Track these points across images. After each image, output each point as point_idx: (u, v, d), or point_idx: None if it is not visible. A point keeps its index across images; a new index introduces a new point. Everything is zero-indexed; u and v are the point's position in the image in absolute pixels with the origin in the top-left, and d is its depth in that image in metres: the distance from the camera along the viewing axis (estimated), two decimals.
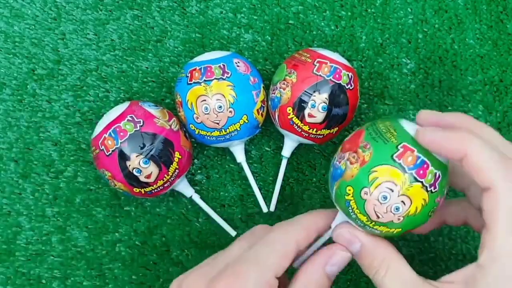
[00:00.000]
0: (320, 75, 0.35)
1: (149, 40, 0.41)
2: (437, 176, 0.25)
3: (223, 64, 0.35)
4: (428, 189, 0.25)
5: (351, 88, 0.36)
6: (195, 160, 0.41)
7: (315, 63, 0.35)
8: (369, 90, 0.42)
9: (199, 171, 0.41)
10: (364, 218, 0.26)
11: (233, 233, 0.40)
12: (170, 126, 0.35)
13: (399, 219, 0.25)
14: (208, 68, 0.35)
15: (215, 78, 0.34)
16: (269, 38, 0.42)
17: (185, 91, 0.35)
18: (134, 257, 0.40)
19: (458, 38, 0.43)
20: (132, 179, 0.34)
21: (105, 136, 0.34)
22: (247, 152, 0.40)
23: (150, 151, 0.34)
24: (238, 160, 0.39)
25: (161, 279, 0.40)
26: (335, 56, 0.36)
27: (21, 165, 0.40)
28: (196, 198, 0.39)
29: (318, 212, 0.29)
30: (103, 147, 0.34)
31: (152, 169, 0.34)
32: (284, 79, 0.36)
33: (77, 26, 0.41)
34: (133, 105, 0.35)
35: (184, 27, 0.41)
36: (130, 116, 0.34)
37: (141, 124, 0.34)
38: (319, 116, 0.35)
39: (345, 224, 0.27)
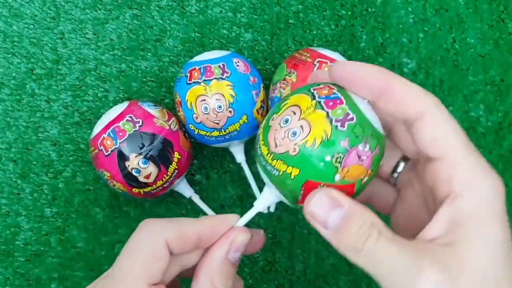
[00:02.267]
0: None
1: (148, 40, 0.41)
2: (349, 116, 0.22)
3: (222, 64, 0.35)
4: (334, 123, 0.21)
5: None
6: (195, 160, 0.41)
7: (315, 62, 0.35)
8: None
9: (198, 172, 0.41)
10: (265, 150, 0.23)
11: None
12: (170, 126, 0.35)
13: (294, 149, 0.22)
14: (208, 68, 0.35)
15: (215, 78, 0.34)
16: (269, 38, 0.42)
17: (185, 91, 0.35)
18: None
19: (459, 37, 0.43)
20: (131, 179, 0.34)
21: (104, 136, 0.34)
22: (247, 152, 0.40)
23: (149, 151, 0.33)
24: (238, 161, 0.38)
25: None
26: (336, 56, 0.36)
27: (20, 165, 0.40)
28: (196, 198, 0.38)
29: (215, 216, 0.26)
30: (102, 147, 0.34)
31: (151, 169, 0.34)
32: (284, 79, 0.36)
33: (76, 26, 0.40)
34: (132, 105, 0.35)
35: (184, 27, 0.41)
36: (129, 116, 0.34)
37: (140, 124, 0.34)
38: None
39: (320, 191, 0.22)
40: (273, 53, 0.42)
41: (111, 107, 0.37)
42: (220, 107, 0.34)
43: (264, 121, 0.24)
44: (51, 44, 0.40)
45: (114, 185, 0.35)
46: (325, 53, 0.36)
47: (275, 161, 0.22)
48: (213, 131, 0.35)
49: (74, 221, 0.40)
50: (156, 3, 0.41)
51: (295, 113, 0.22)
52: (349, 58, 0.42)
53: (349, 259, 0.21)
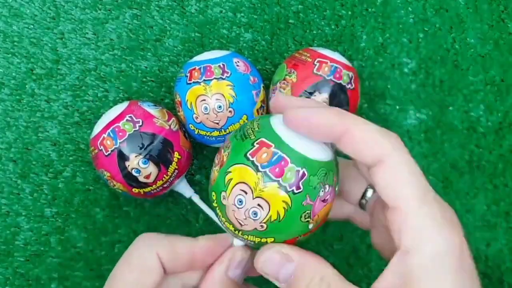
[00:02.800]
0: (320, 75, 0.35)
1: (148, 40, 0.41)
2: (299, 174, 0.21)
3: (222, 64, 0.35)
4: (288, 189, 0.21)
5: (351, 88, 0.35)
6: (195, 160, 0.41)
7: (315, 62, 0.35)
8: (370, 90, 0.42)
9: (198, 172, 0.41)
10: (230, 227, 0.23)
11: None
12: (170, 126, 0.35)
13: (262, 226, 0.22)
14: (208, 68, 0.35)
15: (215, 78, 0.34)
16: (269, 38, 0.42)
17: (185, 90, 0.35)
18: None
19: (459, 37, 0.43)
20: (131, 179, 0.34)
21: (104, 136, 0.34)
22: None
23: (149, 151, 0.33)
24: None
25: None
26: (336, 56, 0.36)
27: (20, 165, 0.39)
28: (196, 198, 0.38)
29: (211, 236, 0.25)
30: (102, 147, 0.34)
31: (151, 169, 0.34)
32: (284, 79, 0.36)
33: (76, 26, 0.40)
34: (132, 105, 0.35)
35: (184, 26, 0.41)
36: (129, 116, 0.34)
37: (140, 124, 0.34)
38: None
39: (270, 248, 0.23)
40: (273, 53, 0.42)
41: (111, 107, 0.37)
42: (220, 107, 0.34)
43: (214, 195, 0.23)
44: (51, 44, 0.40)
45: (114, 185, 0.35)
46: (325, 53, 0.36)
47: (246, 235, 0.23)
48: (213, 131, 0.35)
49: (74, 221, 0.40)
50: (156, 3, 0.41)
51: (246, 193, 0.21)
52: (349, 58, 0.42)
53: None
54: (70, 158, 0.40)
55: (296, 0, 0.42)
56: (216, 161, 0.23)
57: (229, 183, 0.22)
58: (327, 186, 0.22)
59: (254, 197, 0.21)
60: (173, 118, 0.36)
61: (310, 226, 0.22)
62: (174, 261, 0.24)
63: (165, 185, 0.35)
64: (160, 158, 0.34)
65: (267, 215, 0.21)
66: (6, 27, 0.40)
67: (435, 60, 0.43)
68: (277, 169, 0.21)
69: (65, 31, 0.40)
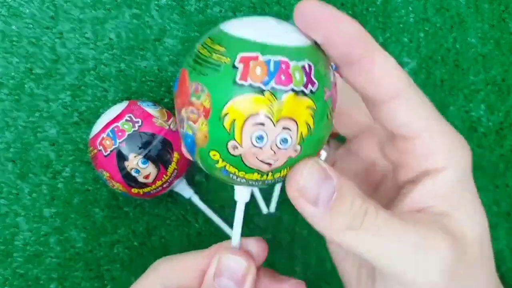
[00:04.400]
0: None
1: (147, 39, 0.41)
2: (306, 68, 0.17)
3: None
4: (306, 91, 0.17)
5: None
6: None
7: None
8: None
9: (198, 172, 0.41)
10: (256, 176, 0.18)
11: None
12: (169, 126, 0.35)
13: (296, 150, 0.18)
14: None
15: None
16: None
17: None
18: (132, 258, 0.39)
19: (460, 37, 0.43)
20: (130, 179, 0.34)
21: (103, 136, 0.33)
22: None
23: (149, 151, 0.33)
24: None
25: None
26: None
27: (19, 166, 0.39)
28: (195, 199, 0.38)
29: (213, 246, 0.23)
30: (101, 147, 0.33)
31: (150, 169, 0.33)
32: None
33: (75, 25, 0.40)
34: (132, 104, 0.35)
35: (183, 26, 0.41)
36: (128, 116, 0.34)
37: (140, 124, 0.34)
38: None
39: (307, 163, 0.18)
40: None
41: (110, 106, 0.37)
42: None
43: (214, 155, 0.18)
44: (50, 44, 0.40)
45: (113, 185, 0.34)
46: None
47: (278, 173, 0.19)
48: None
49: (73, 221, 0.39)
50: (156, 2, 0.41)
51: (263, 124, 0.17)
52: None
53: (343, 245, 0.18)
54: (69, 158, 0.40)
55: (296, 0, 0.42)
56: (192, 116, 0.18)
57: (234, 126, 0.17)
58: (330, 67, 0.19)
59: (275, 123, 0.17)
60: (173, 118, 0.36)
61: (334, 121, 0.19)
62: (187, 284, 0.22)
63: (164, 185, 0.35)
64: (160, 158, 0.34)
65: (297, 134, 0.17)
66: (5, 27, 0.40)
67: (436, 60, 0.43)
68: (282, 77, 0.17)
69: (64, 31, 0.40)
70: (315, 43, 0.19)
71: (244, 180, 0.19)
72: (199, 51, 0.18)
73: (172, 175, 0.35)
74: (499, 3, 0.43)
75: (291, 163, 0.18)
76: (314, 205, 0.17)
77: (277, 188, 0.39)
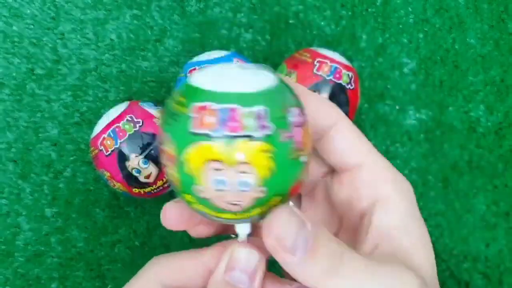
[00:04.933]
0: (320, 75, 0.35)
1: (148, 40, 0.41)
2: (257, 113, 0.18)
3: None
4: (259, 135, 0.17)
5: (351, 88, 0.35)
6: None
7: (315, 62, 0.35)
8: (370, 90, 0.42)
9: None
10: (230, 215, 0.19)
11: (232, 234, 0.39)
12: None
13: (261, 191, 0.18)
14: None
15: None
16: (269, 38, 0.42)
17: None
18: (133, 258, 0.40)
19: (459, 38, 0.43)
20: (131, 179, 0.34)
21: (104, 136, 0.34)
22: None
23: (150, 151, 0.33)
24: None
25: None
26: (336, 56, 0.36)
27: (20, 166, 0.40)
28: None
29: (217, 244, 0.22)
30: (102, 147, 0.34)
31: (151, 169, 0.34)
32: None
33: (76, 26, 0.40)
34: (133, 105, 0.35)
35: (184, 27, 0.41)
36: (129, 116, 0.34)
37: (141, 124, 0.34)
38: None
39: (285, 209, 0.18)
40: (273, 53, 0.42)
41: (111, 107, 0.37)
42: None
43: (189, 198, 0.19)
44: (51, 44, 0.40)
45: (114, 185, 0.35)
46: (325, 53, 0.36)
47: (250, 212, 0.19)
48: None
49: (74, 221, 0.40)
50: (156, 3, 0.41)
51: (220, 169, 0.18)
52: (349, 58, 0.42)
53: None
54: (71, 158, 0.40)
55: (296, 0, 0.42)
56: (167, 162, 0.19)
57: (194, 172, 0.18)
58: (292, 109, 0.19)
59: (232, 168, 0.18)
60: None
61: (303, 159, 0.19)
62: (187, 283, 0.21)
63: (165, 185, 0.35)
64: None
65: (257, 176, 0.18)
66: (6, 27, 0.40)
67: (435, 60, 0.43)
68: (232, 124, 0.17)
69: (65, 32, 0.40)
70: (281, 81, 0.19)
71: (222, 219, 0.19)
72: (168, 104, 0.19)
73: None
74: (498, 4, 0.43)
75: (261, 202, 0.19)
76: (292, 254, 0.17)
77: None
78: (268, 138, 0.18)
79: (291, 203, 0.20)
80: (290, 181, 0.19)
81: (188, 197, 0.19)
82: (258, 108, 0.18)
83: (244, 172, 0.18)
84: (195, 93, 0.18)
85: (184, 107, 0.18)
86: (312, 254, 0.17)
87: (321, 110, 0.21)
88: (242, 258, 0.19)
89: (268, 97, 0.18)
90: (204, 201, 0.18)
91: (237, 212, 0.19)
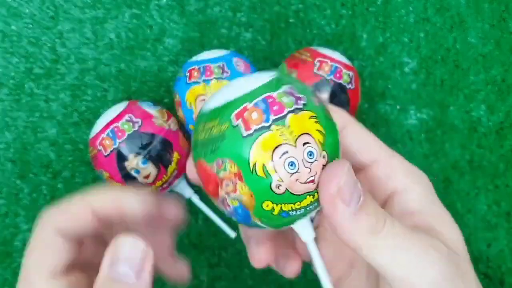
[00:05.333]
0: (320, 75, 0.34)
1: (147, 39, 0.41)
2: (288, 91, 0.19)
3: (222, 63, 0.35)
4: (300, 106, 0.19)
5: (352, 87, 0.35)
6: None
7: (315, 62, 0.35)
8: (370, 89, 0.42)
9: None
10: (309, 199, 0.20)
11: (232, 234, 0.39)
12: (169, 126, 0.35)
13: (324, 156, 0.19)
14: (207, 67, 0.34)
15: (215, 78, 0.34)
16: (269, 37, 0.42)
17: (184, 90, 0.35)
18: None
19: (460, 37, 0.43)
20: (130, 179, 0.34)
21: (103, 136, 0.33)
22: None
23: (149, 151, 0.33)
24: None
25: (160, 281, 0.39)
26: (336, 55, 0.36)
27: (19, 166, 0.39)
28: (195, 199, 0.38)
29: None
30: (101, 147, 0.33)
31: (150, 169, 0.33)
32: None
33: (74, 25, 0.40)
34: (132, 104, 0.35)
35: (183, 26, 0.41)
36: (128, 116, 0.34)
37: (140, 124, 0.34)
38: None
39: (344, 163, 0.19)
40: (273, 53, 0.42)
41: (110, 107, 0.37)
42: None
43: (266, 206, 0.19)
44: (50, 44, 0.40)
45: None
46: (325, 53, 0.36)
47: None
48: None
49: None
50: (156, 2, 0.41)
51: (286, 151, 0.19)
52: (350, 57, 0.42)
53: (362, 250, 0.19)
54: (69, 158, 0.40)
55: (296, 0, 0.42)
56: (228, 188, 0.19)
57: (266, 169, 0.18)
58: (302, 82, 0.22)
59: (295, 144, 0.18)
60: (173, 118, 0.36)
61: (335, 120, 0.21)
62: (80, 228, 0.21)
63: (164, 186, 0.35)
64: (160, 158, 0.34)
65: (317, 143, 0.19)
66: (5, 27, 0.40)
67: (436, 60, 0.43)
68: (275, 107, 0.19)
69: (64, 31, 0.40)
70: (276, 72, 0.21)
71: (303, 210, 0.20)
72: (200, 139, 0.20)
73: (172, 175, 0.35)
74: (499, 3, 0.43)
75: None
76: (347, 205, 0.19)
77: None
78: (307, 106, 0.19)
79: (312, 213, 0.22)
80: (337, 140, 0.20)
81: (267, 205, 0.19)
82: (284, 88, 0.19)
83: (305, 143, 0.19)
84: (223, 109, 0.19)
85: (221, 125, 0.19)
86: (362, 210, 0.19)
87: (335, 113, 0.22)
88: (126, 249, 0.18)
89: (282, 79, 0.20)
90: (284, 197, 0.19)
91: (315, 190, 0.19)
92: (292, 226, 0.21)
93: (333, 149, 0.20)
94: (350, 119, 0.23)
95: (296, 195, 0.19)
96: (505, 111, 0.43)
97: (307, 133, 0.19)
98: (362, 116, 0.42)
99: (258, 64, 0.41)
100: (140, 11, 0.41)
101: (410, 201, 0.22)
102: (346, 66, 0.35)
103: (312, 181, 0.19)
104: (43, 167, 0.39)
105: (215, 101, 0.20)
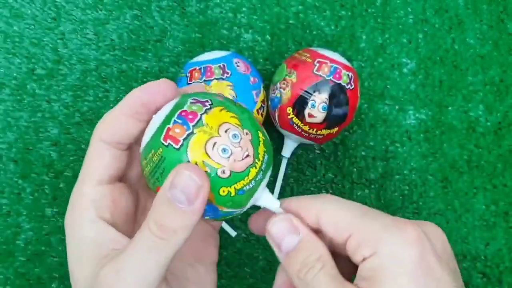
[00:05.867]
0: (320, 75, 0.35)
1: (148, 40, 0.41)
2: (195, 101, 0.22)
3: (223, 64, 0.35)
4: (207, 107, 0.22)
5: (351, 88, 0.35)
6: None
7: (315, 63, 0.35)
8: (369, 90, 0.42)
9: None
10: (254, 171, 0.22)
11: (233, 233, 0.39)
12: None
13: (246, 133, 0.22)
14: (208, 68, 0.35)
15: (215, 78, 0.34)
16: (269, 38, 0.42)
17: None
18: None
19: (459, 38, 0.43)
20: None
21: None
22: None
23: None
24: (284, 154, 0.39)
25: None
26: (335, 56, 0.36)
27: (21, 165, 0.40)
28: None
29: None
30: None
31: None
32: (284, 79, 0.36)
33: (76, 26, 0.41)
34: None
35: (184, 27, 0.41)
36: None
37: None
38: (319, 116, 0.35)
39: (283, 214, 0.23)
40: (273, 54, 0.42)
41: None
42: None
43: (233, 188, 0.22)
44: (52, 45, 0.40)
45: None
46: (325, 53, 0.36)
47: (259, 158, 0.23)
48: None
49: None
50: (157, 3, 0.41)
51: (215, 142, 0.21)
52: (349, 58, 0.42)
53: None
54: (71, 158, 0.40)
55: (296, 0, 0.42)
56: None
57: (207, 163, 0.21)
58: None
59: (219, 134, 0.21)
60: None
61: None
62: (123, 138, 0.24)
63: None
64: None
65: (234, 125, 0.22)
66: (7, 28, 0.40)
67: (435, 61, 0.43)
68: (190, 116, 0.22)
69: (66, 32, 0.41)
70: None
71: (254, 182, 0.22)
72: (148, 171, 0.22)
73: None
74: (497, 4, 0.43)
75: (256, 142, 0.22)
76: (277, 248, 0.23)
77: (277, 188, 0.40)
78: (214, 104, 0.22)
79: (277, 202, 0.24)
80: (249, 116, 0.23)
81: (223, 190, 0.21)
82: (190, 100, 0.22)
83: (227, 130, 0.21)
84: (153, 141, 0.22)
85: (157, 151, 0.21)
86: (291, 256, 0.22)
87: (303, 211, 0.23)
88: (182, 180, 0.21)
89: (184, 97, 0.23)
90: (233, 178, 0.21)
91: (254, 162, 0.22)
92: (256, 204, 0.24)
93: (250, 123, 0.22)
94: (323, 207, 0.23)
95: (240, 172, 0.21)
96: (503, 111, 0.43)
97: (224, 122, 0.21)
98: (361, 116, 0.42)
99: (258, 64, 0.42)
100: (142, 12, 0.41)
101: (366, 269, 0.21)
102: (345, 67, 0.35)
103: (248, 155, 0.22)
104: (45, 167, 0.40)
105: (145, 140, 0.23)
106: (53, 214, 0.40)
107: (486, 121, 0.43)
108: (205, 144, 0.21)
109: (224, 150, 0.21)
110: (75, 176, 0.40)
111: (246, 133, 0.22)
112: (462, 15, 0.43)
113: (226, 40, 0.42)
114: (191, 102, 0.22)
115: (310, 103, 0.35)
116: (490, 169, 0.43)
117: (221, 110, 0.22)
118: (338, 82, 0.35)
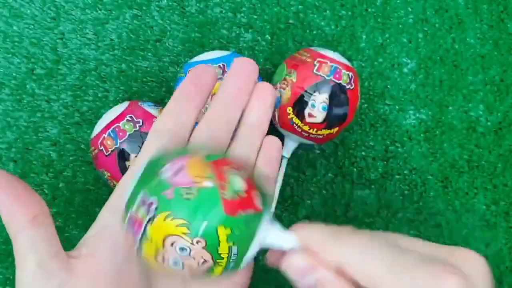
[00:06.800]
0: (320, 75, 0.35)
1: (148, 40, 0.41)
2: (142, 199, 0.21)
3: (222, 64, 0.35)
4: (151, 214, 0.20)
5: (351, 88, 0.35)
6: None
7: (315, 62, 0.35)
8: (370, 90, 0.42)
9: None
10: (218, 269, 0.21)
11: None
12: None
13: (202, 242, 0.20)
14: None
15: None
16: (269, 38, 0.42)
17: None
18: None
19: (459, 37, 0.43)
20: None
21: (104, 136, 0.34)
22: None
23: None
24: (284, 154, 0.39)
25: None
26: (336, 56, 0.36)
27: (20, 165, 0.40)
28: None
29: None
30: (102, 147, 0.34)
31: None
32: (284, 79, 0.36)
33: (76, 26, 0.41)
34: (133, 105, 0.35)
35: (184, 27, 0.41)
36: (129, 116, 0.34)
37: (141, 124, 0.34)
38: (319, 116, 0.35)
39: (300, 251, 0.23)
40: (273, 53, 0.42)
41: (112, 107, 0.37)
42: None
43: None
44: (51, 44, 0.40)
45: (114, 185, 0.35)
46: (325, 53, 0.36)
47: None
48: None
49: (74, 221, 0.40)
50: (156, 3, 0.41)
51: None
52: (349, 58, 0.42)
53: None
54: (71, 158, 0.40)
55: (296, 0, 0.42)
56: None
57: (162, 258, 0.21)
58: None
59: (163, 248, 0.20)
60: None
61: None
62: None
63: None
64: None
65: (181, 236, 0.20)
66: (7, 27, 0.40)
67: (435, 60, 0.43)
68: (136, 225, 0.21)
69: (65, 31, 0.41)
70: None
71: (232, 263, 0.21)
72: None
73: None
74: (498, 4, 0.43)
75: (214, 244, 0.20)
76: (298, 283, 0.23)
77: (277, 188, 0.40)
78: (159, 209, 0.20)
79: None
80: (201, 210, 0.20)
81: (215, 274, 0.21)
82: (140, 196, 0.21)
83: (173, 243, 0.20)
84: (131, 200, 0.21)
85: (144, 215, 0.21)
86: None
87: (323, 255, 0.22)
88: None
89: (138, 185, 0.22)
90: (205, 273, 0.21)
91: (217, 263, 0.20)
92: (267, 247, 0.22)
93: (206, 223, 0.20)
94: (346, 255, 0.22)
95: (204, 273, 0.20)
96: (503, 111, 0.43)
97: (168, 235, 0.19)
98: (361, 116, 0.42)
99: (258, 64, 0.42)
100: (141, 12, 0.41)
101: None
102: (345, 67, 0.35)
103: (204, 261, 0.20)
104: (45, 167, 0.40)
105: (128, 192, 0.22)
106: (53, 214, 0.39)
107: (487, 121, 0.43)
108: (155, 257, 0.20)
109: (175, 263, 0.20)
110: (74, 176, 0.40)
111: (197, 242, 0.19)
112: (462, 14, 0.43)
113: (226, 39, 0.42)
114: (139, 201, 0.20)
115: (310, 103, 0.35)
116: (491, 169, 0.43)
117: (165, 218, 0.19)
118: (338, 82, 0.35)
